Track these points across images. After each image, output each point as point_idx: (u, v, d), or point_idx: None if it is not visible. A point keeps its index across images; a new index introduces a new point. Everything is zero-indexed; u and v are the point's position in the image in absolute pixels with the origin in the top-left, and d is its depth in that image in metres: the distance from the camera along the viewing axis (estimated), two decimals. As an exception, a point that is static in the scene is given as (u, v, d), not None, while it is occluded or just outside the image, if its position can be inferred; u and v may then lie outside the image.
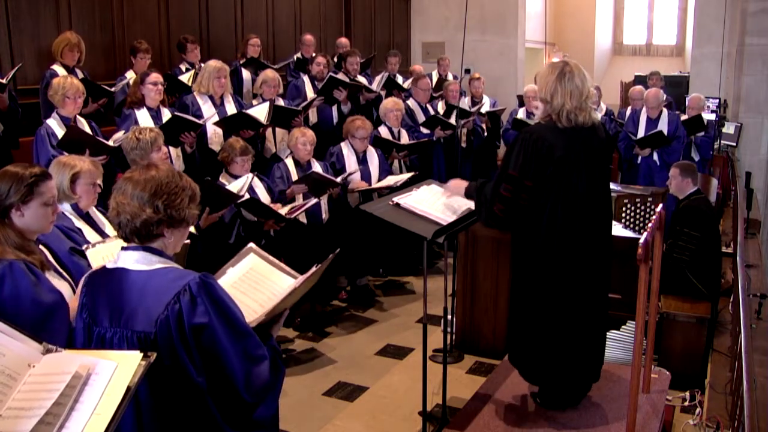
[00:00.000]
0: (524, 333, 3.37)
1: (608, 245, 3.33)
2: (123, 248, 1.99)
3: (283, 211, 4.72)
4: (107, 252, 2.61)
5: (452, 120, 6.77)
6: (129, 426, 1.90)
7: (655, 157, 6.82)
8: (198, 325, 1.86)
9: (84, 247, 2.72)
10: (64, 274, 2.38)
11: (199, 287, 1.88)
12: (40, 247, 2.39)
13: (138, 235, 1.95)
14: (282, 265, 2.37)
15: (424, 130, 6.77)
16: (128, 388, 1.60)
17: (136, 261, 1.94)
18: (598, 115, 3.28)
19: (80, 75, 5.40)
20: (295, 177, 5.11)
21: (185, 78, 5.89)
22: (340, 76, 6.63)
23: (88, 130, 4.63)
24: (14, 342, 1.71)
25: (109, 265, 2.00)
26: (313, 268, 2.23)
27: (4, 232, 2.22)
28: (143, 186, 1.93)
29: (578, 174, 3.11)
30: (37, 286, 2.17)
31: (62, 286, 2.29)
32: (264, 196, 4.86)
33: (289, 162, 5.21)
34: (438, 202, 3.66)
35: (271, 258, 2.37)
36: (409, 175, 5.82)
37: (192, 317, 1.85)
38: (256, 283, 2.25)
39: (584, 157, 3.12)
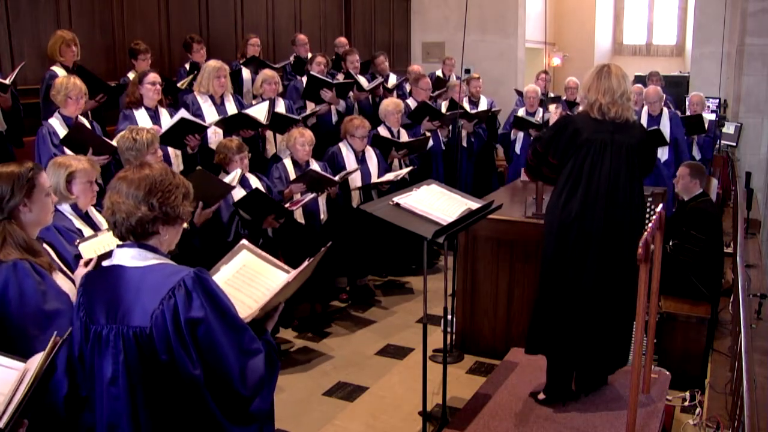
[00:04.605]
0: (538, 300, 3.61)
1: (628, 240, 3.41)
2: (118, 246, 2.01)
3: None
4: (99, 245, 2.61)
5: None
6: (126, 423, 1.90)
7: (660, 155, 6.80)
8: (193, 320, 1.87)
9: (76, 242, 2.73)
10: (68, 273, 2.38)
11: (195, 282, 1.89)
12: (44, 246, 2.39)
13: (134, 234, 1.96)
14: (274, 260, 2.38)
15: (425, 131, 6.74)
16: (37, 372, 1.64)
17: (131, 258, 1.96)
18: (633, 115, 3.52)
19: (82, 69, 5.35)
20: (293, 177, 5.09)
21: (184, 83, 5.89)
22: (339, 76, 6.59)
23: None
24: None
25: (105, 263, 2.02)
26: (306, 262, 2.24)
27: (10, 232, 2.22)
28: (138, 185, 1.95)
29: (602, 160, 3.36)
30: (41, 288, 2.17)
31: (67, 285, 2.29)
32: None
33: (288, 162, 5.20)
34: (438, 202, 3.66)
35: (263, 254, 2.38)
36: (408, 169, 5.82)
37: (187, 311, 1.87)
38: (250, 279, 2.26)
39: (611, 146, 3.38)
